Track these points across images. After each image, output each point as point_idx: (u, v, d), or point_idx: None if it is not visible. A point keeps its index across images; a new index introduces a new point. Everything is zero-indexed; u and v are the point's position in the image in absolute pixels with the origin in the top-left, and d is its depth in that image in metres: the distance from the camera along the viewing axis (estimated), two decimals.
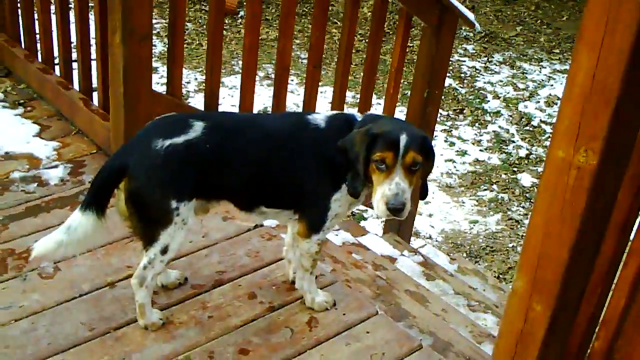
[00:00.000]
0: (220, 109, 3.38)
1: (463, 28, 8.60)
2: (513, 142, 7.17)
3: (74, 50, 3.70)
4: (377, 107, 3.95)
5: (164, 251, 2.32)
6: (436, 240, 5.69)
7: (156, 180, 2.26)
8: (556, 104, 7.85)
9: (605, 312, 1.95)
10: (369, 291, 3.00)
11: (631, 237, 1.82)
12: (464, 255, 5.57)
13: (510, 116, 7.57)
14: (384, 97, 3.92)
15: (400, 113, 4.34)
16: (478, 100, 7.74)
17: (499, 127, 7.38)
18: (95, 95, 3.57)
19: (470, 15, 3.81)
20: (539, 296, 1.73)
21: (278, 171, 2.36)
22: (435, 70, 3.88)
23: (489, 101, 7.75)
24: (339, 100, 3.65)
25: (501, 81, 8.25)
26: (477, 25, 3.91)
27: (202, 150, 2.28)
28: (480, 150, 6.99)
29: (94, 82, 3.56)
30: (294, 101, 6.82)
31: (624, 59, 1.41)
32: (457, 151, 6.89)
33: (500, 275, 5.30)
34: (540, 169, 6.75)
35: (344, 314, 2.56)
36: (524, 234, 5.22)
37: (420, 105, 3.97)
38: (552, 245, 1.66)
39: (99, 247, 2.75)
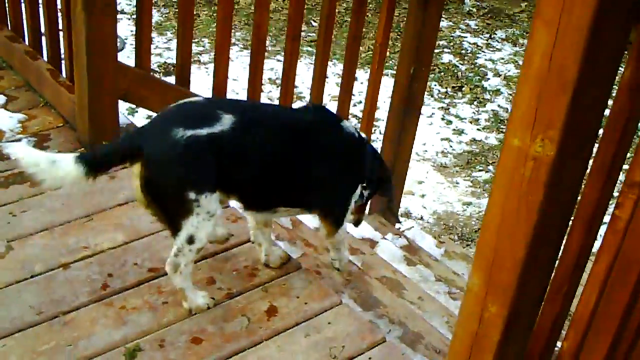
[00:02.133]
0: (194, 82, 3.23)
1: (466, 2, 8.41)
2: None
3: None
4: (364, 81, 3.79)
5: (190, 241, 2.23)
6: (427, 222, 5.56)
7: (173, 171, 2.16)
8: None
9: (574, 311, 1.82)
10: (338, 278, 2.87)
11: (601, 232, 1.68)
12: (455, 237, 5.44)
13: (510, 95, 7.40)
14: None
15: (387, 89, 4.18)
16: (478, 77, 7.56)
17: (498, 106, 7.21)
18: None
19: None
20: (494, 297, 1.60)
21: (306, 171, 2.35)
22: (422, 46, 3.72)
23: (489, 79, 7.57)
24: (319, 74, 3.50)
25: (502, 59, 8.07)
26: (466, 1, 3.75)
27: (227, 146, 2.18)
28: (478, 130, 6.84)
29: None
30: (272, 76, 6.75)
31: (582, 37, 1.27)
32: (454, 130, 6.73)
33: None
34: None
35: (305, 303, 2.43)
36: None
37: (406, 81, 3.82)
38: (507, 243, 1.53)
39: (57, 226, 2.62)
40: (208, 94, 3.12)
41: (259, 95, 3.25)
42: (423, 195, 5.81)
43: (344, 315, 2.42)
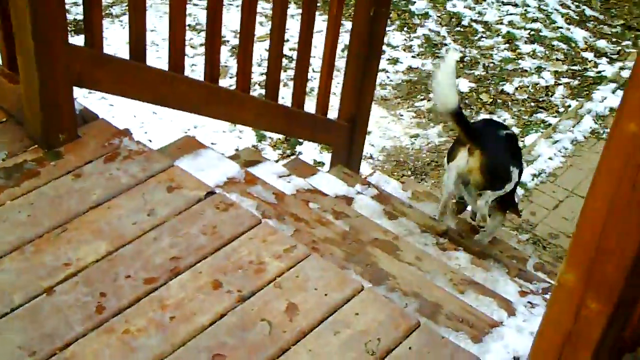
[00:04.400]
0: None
1: None
2: (445, 45, 6.85)
3: None
4: (322, 27, 3.53)
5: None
6: (378, 160, 5.41)
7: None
8: (485, 0, 7.52)
9: None
10: (340, 252, 2.66)
11: None
12: (409, 173, 5.30)
13: (440, 17, 7.22)
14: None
15: (346, 34, 3.94)
16: (404, 2, 7.33)
17: (429, 29, 7.04)
18: None
19: None
20: (595, 293, 1.42)
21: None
22: None
23: (415, 2, 7.35)
24: (279, 21, 3.22)
25: None
26: None
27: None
28: (413, 57, 6.67)
29: None
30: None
31: None
32: (388, 59, 6.54)
33: None
34: (477, 72, 6.48)
35: (325, 295, 2.21)
36: None
37: (366, 24, 3.57)
38: (614, 237, 1.33)
39: (27, 243, 2.28)
40: (125, 50, 2.79)
41: (181, 47, 2.93)
42: (369, 132, 5.60)
43: (370, 301, 2.21)
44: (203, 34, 6.33)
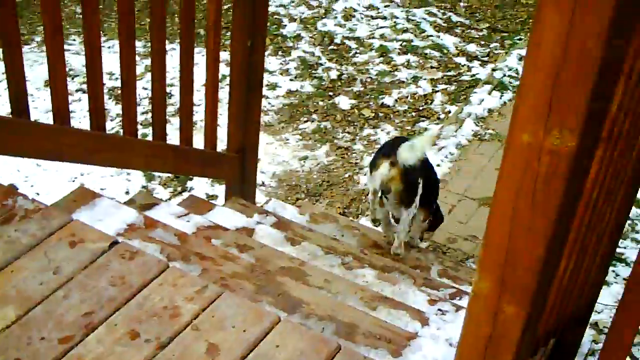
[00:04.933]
0: None
1: None
2: (321, 64, 6.94)
3: None
4: (201, 61, 3.53)
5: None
6: (270, 186, 5.43)
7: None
8: (354, 16, 7.68)
9: None
10: (250, 285, 2.67)
11: None
12: (303, 195, 5.34)
13: (312, 37, 7.32)
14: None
15: (227, 67, 3.94)
16: (275, 26, 7.40)
17: (303, 51, 7.13)
18: None
19: None
20: (509, 297, 1.48)
21: None
22: (257, 16, 3.50)
23: (285, 25, 7.44)
24: (159, 60, 3.21)
25: (293, 2, 7.95)
26: None
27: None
28: (291, 80, 6.73)
29: None
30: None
31: (606, 14, 1.13)
32: (267, 85, 6.57)
33: (345, 210, 5.13)
34: (355, 88, 6.60)
35: (244, 331, 2.21)
36: (358, 162, 5.09)
37: (244, 56, 3.59)
38: (522, 242, 1.40)
39: None
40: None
41: (64, 98, 2.89)
42: (258, 160, 5.63)
43: (288, 331, 2.22)
44: (77, 79, 6.22)
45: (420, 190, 3.91)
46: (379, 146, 5.62)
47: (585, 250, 2.16)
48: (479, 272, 1.51)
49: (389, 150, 3.91)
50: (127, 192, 5.05)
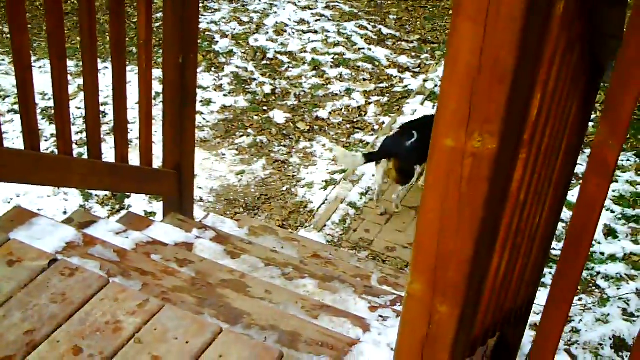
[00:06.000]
0: None
1: None
2: (254, 79, 6.99)
3: None
4: (134, 79, 3.55)
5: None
6: (208, 201, 5.45)
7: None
8: (285, 31, 7.75)
9: None
10: (191, 298, 2.69)
11: None
12: (241, 210, 5.38)
13: (245, 53, 7.37)
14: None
15: (159, 85, 3.96)
16: (207, 43, 7.43)
17: (236, 66, 7.17)
18: None
19: None
20: (442, 297, 1.54)
21: None
22: (187, 32, 3.53)
23: (218, 42, 7.47)
24: (91, 79, 3.22)
25: (224, 18, 7.99)
26: None
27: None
28: (225, 95, 6.76)
29: None
30: None
31: (516, 27, 1.21)
32: (201, 101, 6.61)
33: (285, 223, 5.18)
34: (290, 102, 6.66)
35: (187, 342, 2.24)
36: (295, 175, 5.17)
37: (176, 72, 3.62)
38: (451, 244, 1.46)
39: None
40: None
41: None
42: (195, 176, 5.64)
43: (231, 341, 2.26)
44: (8, 100, 6.15)
45: (418, 169, 5.18)
46: (315, 159, 5.70)
47: (518, 250, 2.25)
48: (411, 274, 1.57)
49: (389, 145, 5.11)
50: (64, 212, 5.01)
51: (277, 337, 2.54)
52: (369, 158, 5.02)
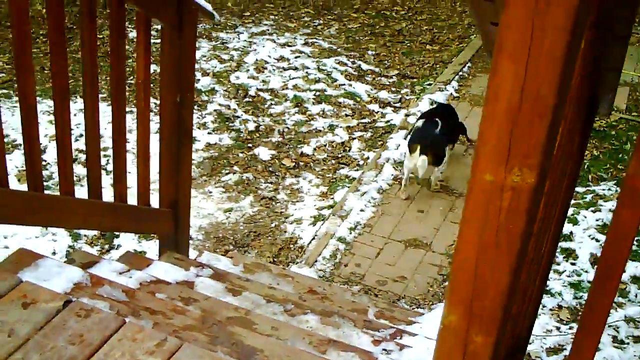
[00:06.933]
0: None
1: None
2: (238, 117, 7.04)
3: None
4: (134, 119, 3.58)
5: None
6: (198, 239, 5.45)
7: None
8: (265, 68, 7.82)
9: None
10: (203, 337, 2.71)
11: None
12: (231, 247, 5.39)
13: (226, 91, 7.42)
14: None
15: (156, 124, 4.00)
16: None
17: (219, 104, 7.21)
18: None
19: (208, 6, 3.56)
20: (477, 328, 1.59)
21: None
22: (184, 72, 3.59)
23: (199, 80, 7.52)
24: (92, 119, 3.25)
25: (205, 56, 8.05)
26: (216, 15, 3.66)
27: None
28: (209, 133, 6.80)
29: None
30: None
31: (557, 65, 1.28)
32: None
33: (275, 259, 5.20)
34: (274, 139, 6.71)
35: None
36: (283, 211, 5.19)
37: (174, 111, 3.66)
38: (488, 275, 1.51)
39: None
40: None
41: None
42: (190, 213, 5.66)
43: None
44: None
45: (447, 153, 5.86)
46: (302, 195, 5.74)
47: (529, 280, 2.30)
48: (447, 306, 1.61)
49: (419, 137, 5.75)
50: (54, 253, 5.00)
51: None
52: (412, 150, 5.68)
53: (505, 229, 1.44)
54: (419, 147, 5.61)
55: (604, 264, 1.75)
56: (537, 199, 1.43)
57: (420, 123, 6.01)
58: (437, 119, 5.87)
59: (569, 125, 2.14)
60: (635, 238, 5.24)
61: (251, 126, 6.88)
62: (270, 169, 6.29)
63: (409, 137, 6.14)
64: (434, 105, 6.96)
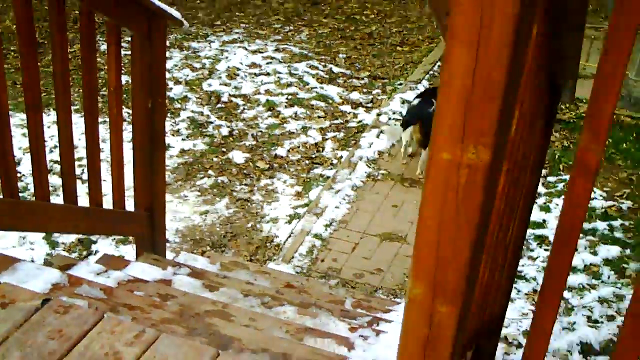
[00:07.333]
0: None
1: None
2: (211, 123, 7.11)
3: None
4: (107, 130, 3.63)
5: None
6: (175, 242, 5.52)
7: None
8: (237, 75, 7.90)
9: None
10: (180, 329, 2.78)
11: None
12: (208, 248, 5.46)
13: (199, 98, 7.49)
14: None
15: (129, 133, 4.05)
16: None
17: (192, 111, 7.27)
18: None
19: (177, 14, 3.63)
20: (442, 298, 1.68)
21: None
22: (155, 78, 3.66)
23: (172, 88, 7.58)
24: (65, 127, 3.30)
25: (176, 65, 8.12)
26: (185, 23, 3.73)
27: None
28: (183, 140, 6.86)
29: None
30: None
31: (507, 50, 1.37)
32: None
33: (252, 258, 5.27)
34: (247, 143, 6.79)
35: None
36: (258, 211, 5.28)
37: (146, 117, 3.73)
38: (450, 249, 1.60)
39: None
40: None
41: None
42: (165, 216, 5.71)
43: None
44: None
45: None
46: (278, 195, 5.83)
47: (496, 260, 2.40)
48: (412, 280, 1.70)
49: (415, 113, 6.09)
50: (32, 261, 5.03)
51: (269, 358, 2.63)
52: (405, 126, 6.12)
53: (464, 204, 1.54)
54: (411, 123, 6.06)
55: (562, 229, 1.84)
56: (493, 176, 1.52)
57: (416, 101, 6.29)
58: (432, 100, 6.06)
59: (530, 109, 2.23)
60: (607, 222, 5.39)
61: (225, 131, 6.95)
62: (245, 171, 6.36)
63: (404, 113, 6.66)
64: (431, 86, 7.49)
